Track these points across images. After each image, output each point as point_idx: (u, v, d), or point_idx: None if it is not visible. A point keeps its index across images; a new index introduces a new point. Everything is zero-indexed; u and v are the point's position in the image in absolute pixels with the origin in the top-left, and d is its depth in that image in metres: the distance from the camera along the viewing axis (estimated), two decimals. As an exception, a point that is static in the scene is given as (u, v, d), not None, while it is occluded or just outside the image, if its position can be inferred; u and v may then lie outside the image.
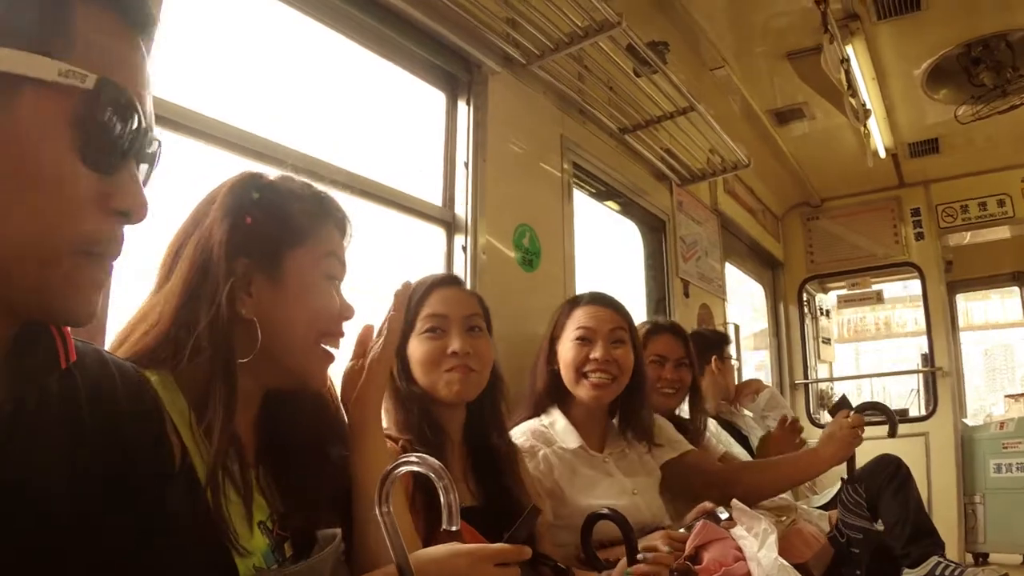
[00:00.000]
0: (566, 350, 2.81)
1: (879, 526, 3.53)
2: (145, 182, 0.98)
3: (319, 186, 1.62)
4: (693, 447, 3.10)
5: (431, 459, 1.15)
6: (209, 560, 1.22)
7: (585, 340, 2.79)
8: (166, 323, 1.36)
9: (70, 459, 0.97)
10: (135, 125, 0.92)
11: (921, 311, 7.37)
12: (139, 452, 1.10)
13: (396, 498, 1.55)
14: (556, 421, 2.78)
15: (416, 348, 2.17)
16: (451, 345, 2.16)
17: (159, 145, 1.00)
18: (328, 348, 1.51)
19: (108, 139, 0.90)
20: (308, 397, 1.60)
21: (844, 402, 2.94)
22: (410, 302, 2.16)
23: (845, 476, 3.01)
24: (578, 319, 2.84)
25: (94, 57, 0.88)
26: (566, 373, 2.80)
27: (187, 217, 1.48)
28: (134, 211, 0.93)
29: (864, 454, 3.64)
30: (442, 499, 1.13)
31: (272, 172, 1.58)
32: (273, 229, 1.45)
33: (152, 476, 1.11)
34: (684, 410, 3.72)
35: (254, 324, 1.40)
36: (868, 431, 3.08)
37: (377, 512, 1.15)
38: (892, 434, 3.04)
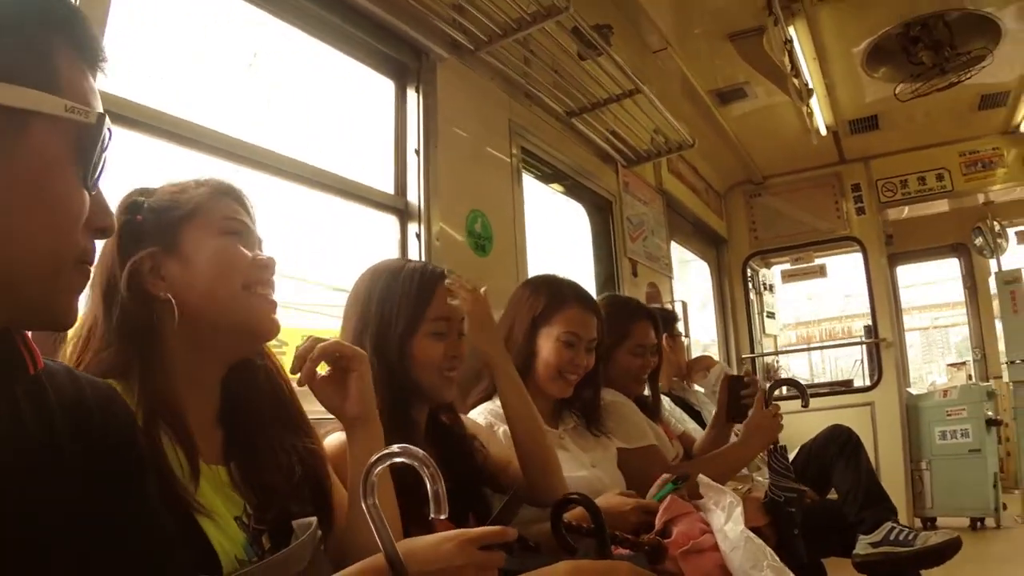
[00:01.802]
0: (550, 349, 2.84)
1: (832, 495, 3.61)
2: None
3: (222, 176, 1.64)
4: (654, 443, 3.15)
5: (415, 449, 1.16)
6: (191, 553, 1.25)
7: (570, 345, 2.83)
8: (98, 335, 1.43)
9: (45, 466, 0.99)
10: (108, 151, 1.02)
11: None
12: (114, 455, 1.11)
13: (384, 490, 1.57)
14: None
15: (426, 347, 2.14)
16: (451, 350, 2.17)
17: None
18: (265, 301, 1.52)
19: (99, 165, 1.00)
20: (264, 387, 1.61)
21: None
22: (411, 296, 2.15)
23: (770, 446, 3.09)
24: (568, 320, 2.86)
25: (73, 92, 0.97)
26: (545, 370, 2.84)
27: None
28: (109, 227, 1.05)
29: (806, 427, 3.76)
30: (428, 488, 1.14)
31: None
32: (164, 215, 1.49)
33: (129, 476, 1.12)
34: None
35: (171, 303, 1.43)
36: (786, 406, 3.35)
37: (363, 504, 1.16)
38: (805, 405, 3.27)
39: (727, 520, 2.32)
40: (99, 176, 1.01)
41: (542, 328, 2.87)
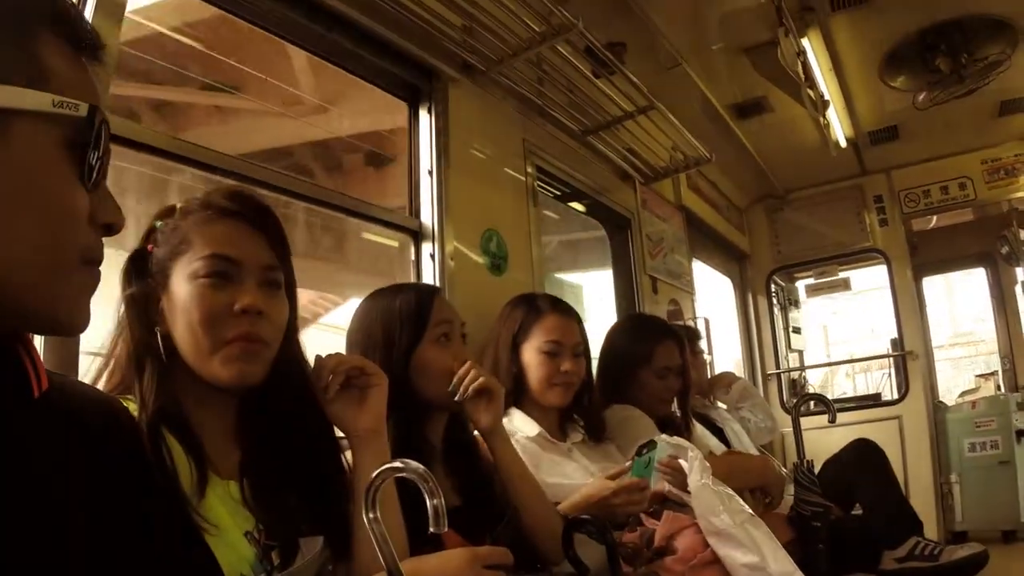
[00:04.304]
0: (535, 363, 2.87)
1: (857, 510, 3.58)
2: None
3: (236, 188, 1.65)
4: None
5: (415, 463, 1.15)
6: (193, 568, 1.26)
7: (553, 354, 2.86)
8: (116, 353, 1.49)
9: (51, 488, 0.97)
10: (108, 145, 0.99)
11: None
12: (119, 476, 1.10)
13: (389, 506, 1.57)
14: (513, 417, 2.84)
15: (434, 355, 2.20)
16: (459, 355, 2.23)
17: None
18: (234, 349, 1.47)
19: (96, 159, 0.96)
20: (291, 412, 1.61)
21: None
22: (411, 308, 2.21)
23: (796, 460, 3.06)
24: (547, 330, 2.89)
25: (62, 84, 0.93)
26: (536, 384, 2.87)
27: None
28: (116, 223, 1.01)
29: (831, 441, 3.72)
30: (428, 503, 1.13)
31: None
32: (165, 247, 1.50)
33: (133, 499, 1.11)
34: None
35: (167, 338, 1.47)
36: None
37: (365, 520, 1.15)
38: (832, 420, 3.19)
39: (691, 473, 2.41)
40: (99, 170, 0.98)
41: (523, 344, 2.91)
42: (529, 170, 4.11)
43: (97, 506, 1.03)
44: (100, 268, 1.01)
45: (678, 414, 3.72)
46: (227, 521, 1.39)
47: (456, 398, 2.15)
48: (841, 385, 13.46)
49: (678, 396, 3.66)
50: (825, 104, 5.19)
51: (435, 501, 1.13)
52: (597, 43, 3.66)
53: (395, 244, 3.68)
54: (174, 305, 1.46)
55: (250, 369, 1.48)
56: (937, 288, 9.96)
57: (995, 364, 9.33)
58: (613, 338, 3.73)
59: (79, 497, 1.01)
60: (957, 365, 14.85)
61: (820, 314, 12.28)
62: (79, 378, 1.55)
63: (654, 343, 3.54)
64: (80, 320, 0.99)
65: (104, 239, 1.01)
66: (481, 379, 2.16)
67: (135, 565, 1.07)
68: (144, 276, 1.49)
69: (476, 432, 2.31)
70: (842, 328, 14.22)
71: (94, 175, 0.97)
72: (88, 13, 2.04)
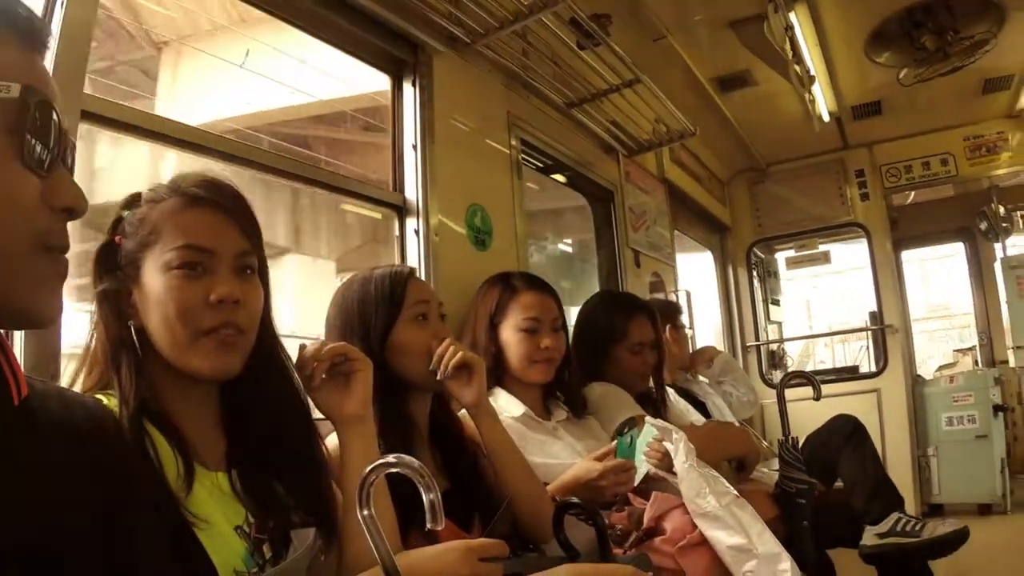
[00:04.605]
0: (514, 341, 2.87)
1: (838, 483, 3.59)
2: None
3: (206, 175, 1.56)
4: (640, 413, 3.16)
5: (409, 458, 1.13)
6: (186, 566, 1.25)
7: (532, 331, 2.85)
8: (92, 350, 1.45)
9: (37, 495, 0.96)
10: (58, 128, 0.97)
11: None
12: (106, 479, 1.09)
13: (381, 499, 1.56)
14: (498, 396, 2.83)
15: (412, 333, 2.19)
16: (438, 333, 2.21)
17: (74, 148, 1.05)
18: (212, 340, 1.42)
19: (40, 142, 0.95)
20: (271, 398, 1.58)
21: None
22: (386, 290, 2.19)
23: (781, 437, 3.07)
24: (524, 307, 2.89)
25: (5, 72, 0.93)
26: (516, 362, 2.86)
27: None
28: (77, 207, 0.99)
29: (811, 415, 3.73)
30: (424, 498, 1.11)
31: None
32: (132, 238, 1.45)
33: (126, 497, 1.11)
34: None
35: (142, 331, 1.43)
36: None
37: (359, 515, 1.13)
38: (817, 397, 3.16)
39: (676, 455, 2.44)
40: (47, 153, 0.96)
41: (501, 323, 2.90)
42: (513, 143, 4.07)
43: (85, 510, 1.02)
44: (65, 256, 0.99)
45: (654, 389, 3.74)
46: (217, 515, 1.37)
47: (438, 376, 2.15)
48: (820, 354, 13.57)
49: (653, 370, 3.67)
50: (811, 79, 5.18)
51: (431, 496, 1.12)
52: (582, 14, 3.62)
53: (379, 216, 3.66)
54: (147, 298, 1.41)
55: (229, 359, 1.45)
56: (910, 261, 10.01)
57: (969, 336, 9.42)
58: (586, 317, 3.74)
59: (68, 501, 1.00)
60: (932, 337, 14.99)
61: (803, 288, 12.33)
62: (60, 374, 1.53)
63: (627, 319, 3.57)
64: (47, 311, 0.97)
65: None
66: (460, 354, 2.15)
67: (128, 566, 1.06)
68: (114, 269, 1.44)
69: (462, 411, 2.31)
70: (823, 300, 14.30)
71: (44, 159, 0.95)
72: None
